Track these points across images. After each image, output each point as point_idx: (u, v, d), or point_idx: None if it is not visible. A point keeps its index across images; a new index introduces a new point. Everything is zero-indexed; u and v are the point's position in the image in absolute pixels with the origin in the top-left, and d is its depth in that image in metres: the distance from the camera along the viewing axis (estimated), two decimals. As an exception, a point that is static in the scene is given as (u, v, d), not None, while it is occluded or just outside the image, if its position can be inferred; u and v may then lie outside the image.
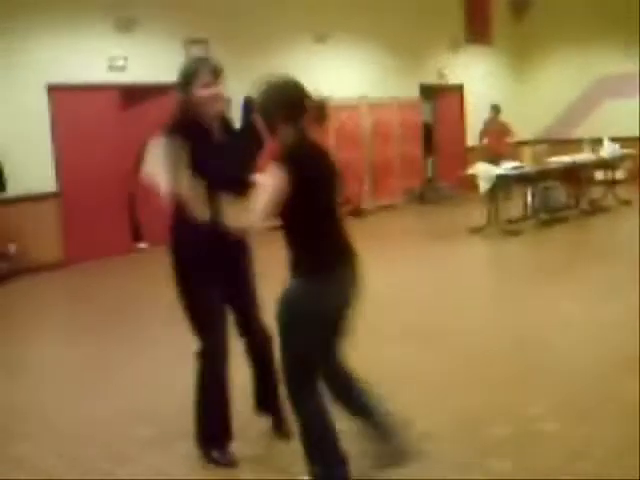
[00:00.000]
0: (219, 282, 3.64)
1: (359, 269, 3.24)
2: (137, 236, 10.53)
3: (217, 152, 3.57)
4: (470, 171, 10.93)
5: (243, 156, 3.74)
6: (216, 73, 3.56)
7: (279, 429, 3.86)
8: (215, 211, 3.28)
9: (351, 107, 13.13)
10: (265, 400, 3.88)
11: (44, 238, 9.32)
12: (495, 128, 13.67)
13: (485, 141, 13.85)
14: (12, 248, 8.89)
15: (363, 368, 4.83)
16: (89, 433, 4.16)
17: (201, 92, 3.51)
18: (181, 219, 3.47)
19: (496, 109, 13.82)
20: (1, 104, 8.95)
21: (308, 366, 3.18)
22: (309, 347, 3.14)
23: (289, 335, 3.14)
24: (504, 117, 13.98)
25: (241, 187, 3.41)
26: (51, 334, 6.76)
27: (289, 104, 3.15)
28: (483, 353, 5.06)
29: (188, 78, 3.54)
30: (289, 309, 3.11)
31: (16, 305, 7.83)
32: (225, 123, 3.74)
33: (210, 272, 3.59)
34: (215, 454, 3.65)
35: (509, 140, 13.54)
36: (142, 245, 10.40)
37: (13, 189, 8.76)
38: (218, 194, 3.29)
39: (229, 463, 3.63)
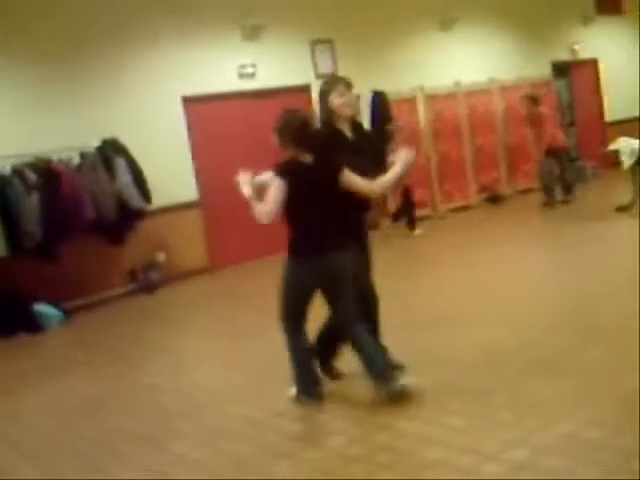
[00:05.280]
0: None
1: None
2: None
3: (349, 149, 4.43)
4: (611, 147, 10.49)
5: (372, 151, 4.66)
6: (348, 86, 4.55)
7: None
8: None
9: (481, 91, 12.89)
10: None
11: (190, 245, 9.69)
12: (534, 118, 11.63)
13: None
14: (161, 257, 9.28)
15: (515, 355, 4.78)
16: (241, 429, 4.29)
17: (336, 100, 4.48)
18: None
19: (533, 100, 11.68)
20: (143, 118, 9.34)
21: (289, 313, 4.42)
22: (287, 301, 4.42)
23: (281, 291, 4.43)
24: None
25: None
26: (201, 337, 7.02)
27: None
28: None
29: (328, 88, 4.55)
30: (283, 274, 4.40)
31: (171, 310, 8.23)
32: (356, 125, 4.66)
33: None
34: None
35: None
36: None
37: (159, 200, 9.10)
38: None
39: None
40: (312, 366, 4.56)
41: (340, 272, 4.32)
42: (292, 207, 4.30)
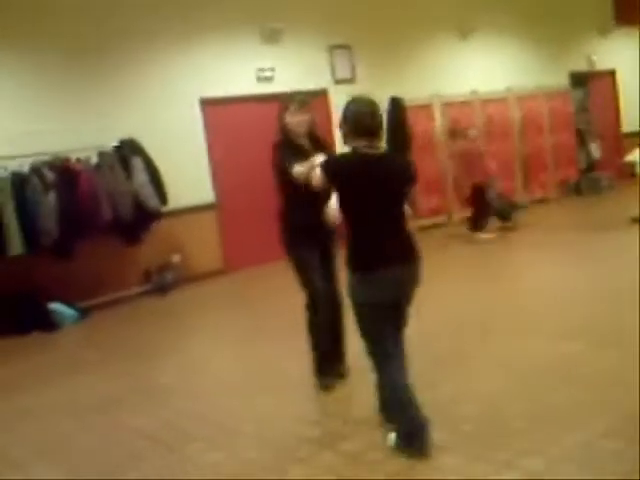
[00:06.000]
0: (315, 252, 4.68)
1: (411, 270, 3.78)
2: None
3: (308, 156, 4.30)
4: (628, 158, 10.47)
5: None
6: (301, 104, 4.68)
7: (341, 375, 4.88)
8: (312, 211, 4.37)
9: (498, 100, 12.89)
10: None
11: (205, 247, 9.73)
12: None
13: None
14: (176, 258, 9.32)
15: (531, 364, 4.79)
16: (255, 431, 4.31)
17: (288, 118, 4.65)
18: (292, 207, 4.66)
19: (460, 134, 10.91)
20: (160, 119, 9.38)
21: (370, 340, 3.79)
22: (366, 326, 3.77)
23: (355, 315, 3.81)
24: None
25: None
26: (214, 338, 7.05)
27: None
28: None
29: (283, 106, 4.70)
30: (349, 296, 3.83)
31: (185, 312, 8.27)
32: (315, 139, 4.74)
33: (308, 246, 4.63)
34: (319, 380, 4.75)
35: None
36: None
37: (175, 202, 9.14)
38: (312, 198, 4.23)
39: (325, 387, 4.73)
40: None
41: (407, 287, 3.82)
42: (352, 208, 3.75)
